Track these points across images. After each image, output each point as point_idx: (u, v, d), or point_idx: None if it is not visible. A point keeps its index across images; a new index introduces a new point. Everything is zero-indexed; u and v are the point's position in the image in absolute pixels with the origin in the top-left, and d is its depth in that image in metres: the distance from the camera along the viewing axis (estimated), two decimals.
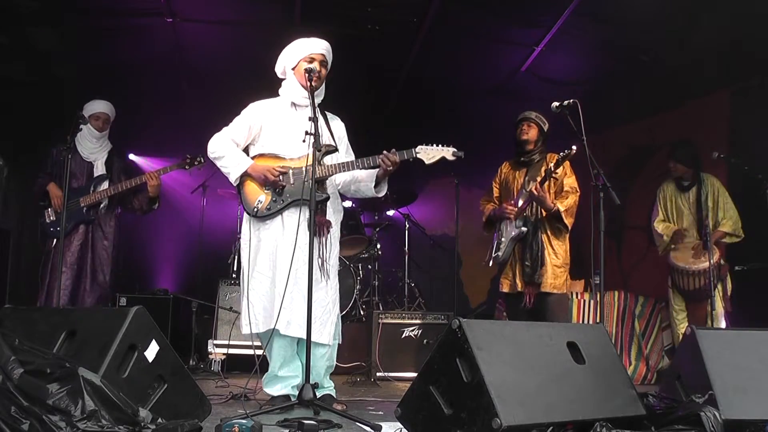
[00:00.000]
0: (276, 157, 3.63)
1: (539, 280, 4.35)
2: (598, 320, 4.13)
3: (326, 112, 3.80)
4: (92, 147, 4.86)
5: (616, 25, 4.97)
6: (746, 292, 5.06)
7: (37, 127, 5.98)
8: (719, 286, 4.92)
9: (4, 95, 5.71)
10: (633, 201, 6.27)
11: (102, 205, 4.80)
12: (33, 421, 2.15)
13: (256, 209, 3.59)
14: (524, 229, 4.41)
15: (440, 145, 3.56)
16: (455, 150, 3.55)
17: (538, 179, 4.41)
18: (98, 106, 4.84)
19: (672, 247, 5.20)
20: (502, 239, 4.53)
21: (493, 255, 4.59)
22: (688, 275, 5.03)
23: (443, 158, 3.55)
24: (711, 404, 2.65)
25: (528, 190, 4.35)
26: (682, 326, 5.08)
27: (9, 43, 5.23)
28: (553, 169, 4.19)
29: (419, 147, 3.55)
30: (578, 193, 4.42)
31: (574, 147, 4.00)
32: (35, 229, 4.85)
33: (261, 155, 3.67)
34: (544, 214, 4.43)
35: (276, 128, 3.67)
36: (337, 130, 3.78)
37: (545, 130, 4.54)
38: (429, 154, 3.54)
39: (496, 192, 4.76)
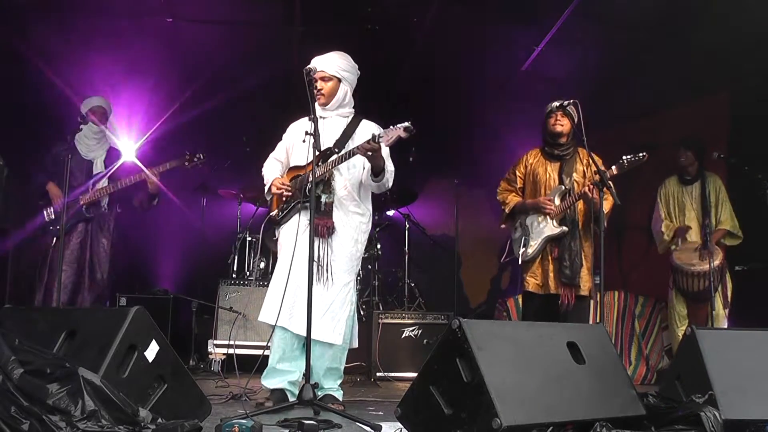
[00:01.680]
0: (293, 168, 3.83)
1: (579, 282, 4.17)
2: (598, 320, 4.12)
3: (363, 120, 3.86)
4: (91, 145, 4.88)
5: (616, 25, 4.97)
6: (746, 293, 5.06)
7: (37, 127, 5.97)
8: (720, 288, 4.90)
9: (4, 95, 5.70)
10: (633, 201, 6.25)
11: (103, 203, 4.81)
12: (33, 421, 2.15)
13: (272, 217, 3.85)
14: (566, 228, 4.20)
15: (394, 125, 3.40)
16: (407, 125, 3.34)
17: (575, 176, 4.25)
18: (94, 101, 4.90)
19: (675, 248, 5.17)
20: (532, 235, 4.31)
21: (520, 251, 4.34)
22: (692, 276, 4.96)
23: (399, 137, 3.37)
24: (711, 404, 2.65)
25: (575, 189, 4.18)
26: (681, 330, 5.02)
27: (9, 43, 5.23)
28: (615, 172, 3.96)
29: (381, 131, 3.43)
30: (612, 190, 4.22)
31: (645, 153, 3.86)
32: (34, 228, 4.84)
33: (288, 168, 3.89)
34: (581, 216, 4.27)
35: (299, 143, 3.75)
36: (364, 135, 3.72)
37: (576, 121, 4.24)
38: (388, 135, 3.39)
39: (519, 182, 4.47)
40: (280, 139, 3.99)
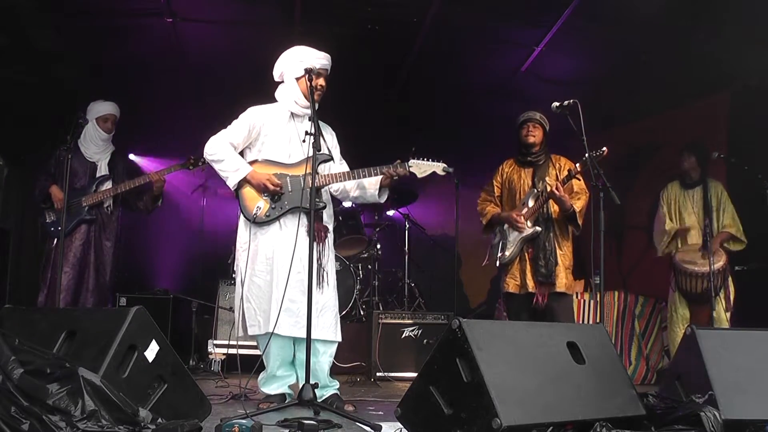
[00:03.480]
0: (273, 163, 3.68)
1: (554, 280, 4.31)
2: (598, 320, 4.14)
3: (320, 122, 3.82)
4: (96, 148, 4.87)
5: (616, 25, 4.97)
6: (747, 293, 5.05)
7: (37, 127, 5.97)
8: (722, 292, 4.88)
9: (4, 95, 5.71)
10: (633, 201, 6.26)
11: (107, 205, 4.82)
12: (33, 421, 2.15)
13: (255, 215, 3.62)
14: (539, 228, 4.35)
15: (432, 160, 3.64)
16: (445, 166, 3.65)
17: (548, 179, 4.39)
18: (105, 108, 4.84)
19: (678, 248, 5.16)
20: (509, 239, 4.47)
21: (498, 255, 4.51)
22: (693, 277, 4.94)
23: (434, 173, 3.65)
24: (711, 404, 2.65)
25: (547, 190, 4.30)
26: (682, 333, 4.98)
27: (9, 43, 5.22)
28: (579, 170, 4.10)
29: (411, 161, 3.63)
30: (588, 195, 4.38)
31: (605, 148, 3.95)
32: (35, 229, 4.85)
33: (257, 161, 3.71)
34: (555, 215, 4.40)
35: (274, 135, 3.72)
36: (329, 140, 3.82)
37: (547, 129, 4.52)
38: (421, 168, 3.64)
39: (497, 191, 4.68)
40: None
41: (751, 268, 5.18)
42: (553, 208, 4.41)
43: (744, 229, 5.05)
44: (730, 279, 4.99)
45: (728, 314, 4.91)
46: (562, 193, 4.23)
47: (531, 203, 4.42)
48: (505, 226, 4.52)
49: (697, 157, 5.22)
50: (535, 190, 4.42)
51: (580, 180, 4.32)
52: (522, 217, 4.39)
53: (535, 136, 4.49)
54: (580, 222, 4.35)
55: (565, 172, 4.34)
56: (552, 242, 4.36)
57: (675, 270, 5.12)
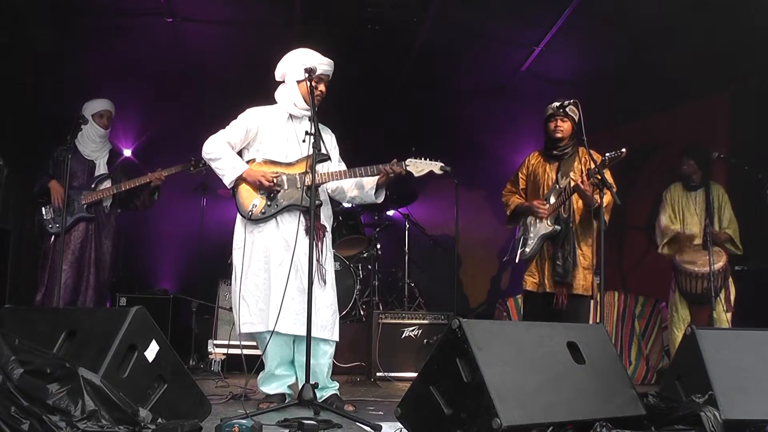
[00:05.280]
0: (270, 162, 3.69)
1: (570, 280, 4.20)
2: (598, 320, 4.13)
3: (319, 123, 3.82)
4: (94, 146, 4.89)
5: (617, 24, 4.97)
6: (747, 293, 5.05)
7: (37, 127, 5.97)
8: (722, 293, 4.87)
9: (4, 95, 5.71)
10: (633, 201, 6.26)
11: (106, 204, 4.82)
12: (33, 421, 2.15)
13: (250, 213, 3.63)
14: (557, 227, 4.23)
15: (429, 159, 3.64)
16: (443, 165, 3.64)
17: (572, 174, 4.27)
18: (101, 104, 4.90)
19: (677, 248, 5.16)
20: (530, 235, 4.36)
21: (519, 250, 4.41)
22: (694, 277, 4.92)
23: (431, 171, 3.65)
24: (711, 404, 2.65)
25: (570, 185, 4.19)
26: (682, 334, 4.97)
27: (9, 43, 5.23)
28: (597, 170, 3.97)
29: (409, 160, 3.63)
30: (614, 189, 4.09)
31: (623, 149, 3.88)
32: (35, 228, 4.85)
33: (254, 161, 3.71)
34: (577, 215, 4.29)
35: (272, 136, 3.73)
36: (328, 141, 3.82)
37: (577, 120, 4.26)
38: (418, 167, 3.63)
39: (522, 183, 4.54)
40: None
41: (751, 268, 5.18)
42: (576, 205, 4.28)
43: (744, 230, 5.04)
44: (730, 280, 4.98)
45: (729, 315, 4.90)
46: (587, 187, 4.07)
47: (552, 200, 4.29)
48: (528, 220, 4.40)
49: (696, 159, 5.20)
50: (558, 186, 4.29)
51: (599, 178, 4.18)
52: (543, 205, 4.28)
53: (563, 130, 4.30)
54: (606, 218, 4.09)
55: (592, 165, 4.21)
56: (572, 242, 4.23)
57: (675, 271, 5.11)
